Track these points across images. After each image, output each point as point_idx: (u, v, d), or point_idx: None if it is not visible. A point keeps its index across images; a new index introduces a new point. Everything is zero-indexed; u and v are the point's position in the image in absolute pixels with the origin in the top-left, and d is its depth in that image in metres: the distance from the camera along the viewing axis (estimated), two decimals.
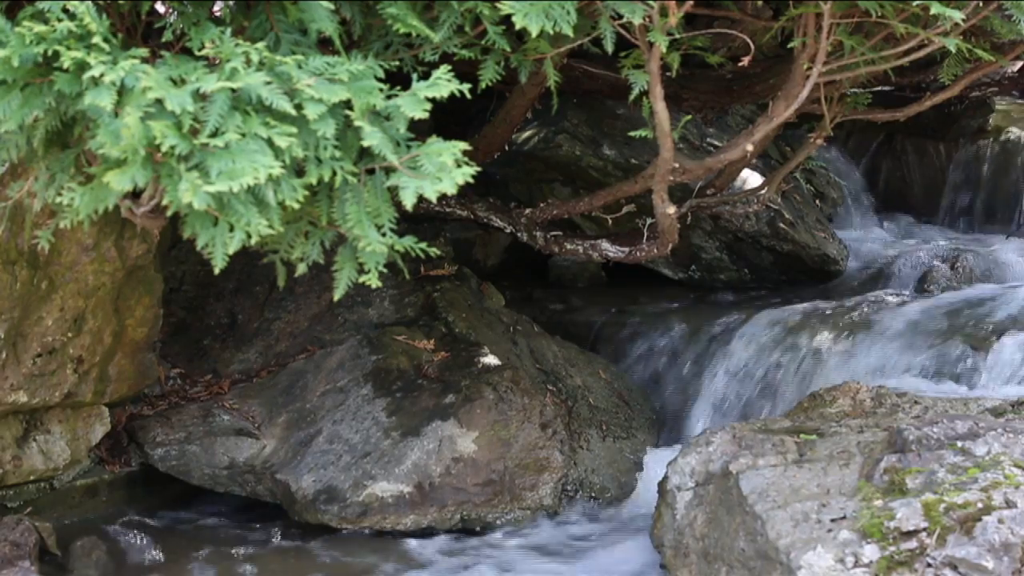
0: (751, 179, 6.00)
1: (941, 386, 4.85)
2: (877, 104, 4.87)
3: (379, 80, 2.84)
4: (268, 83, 2.71)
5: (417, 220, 4.89)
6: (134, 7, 3.02)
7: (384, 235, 2.93)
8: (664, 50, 3.40)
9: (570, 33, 3.06)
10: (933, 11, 3.33)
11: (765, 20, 4.10)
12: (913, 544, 3.14)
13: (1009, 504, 3.17)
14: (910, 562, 3.11)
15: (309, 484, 4.43)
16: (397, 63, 3.23)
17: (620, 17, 3.26)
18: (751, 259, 6.29)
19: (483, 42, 3.28)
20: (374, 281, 2.95)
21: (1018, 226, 7.15)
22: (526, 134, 6.17)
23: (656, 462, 4.80)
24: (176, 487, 4.63)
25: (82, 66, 2.67)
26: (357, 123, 2.78)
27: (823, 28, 3.60)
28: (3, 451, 4.27)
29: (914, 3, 3.39)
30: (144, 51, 2.74)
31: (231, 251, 2.81)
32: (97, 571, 4.13)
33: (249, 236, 2.78)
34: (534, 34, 3.00)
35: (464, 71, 3.11)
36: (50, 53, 2.71)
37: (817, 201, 6.94)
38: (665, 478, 4.04)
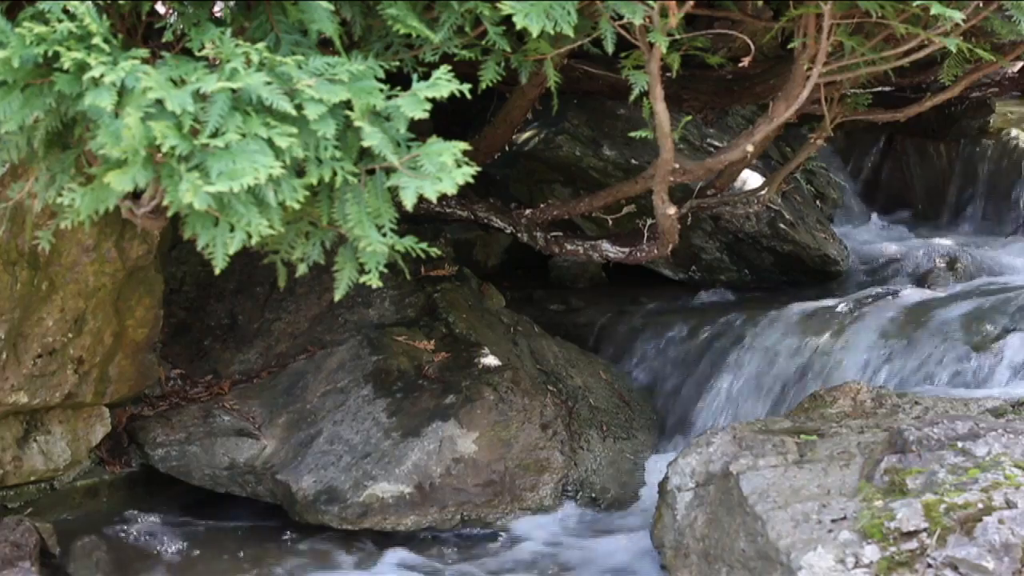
0: (751, 180, 6.00)
1: (942, 386, 4.84)
2: (877, 104, 4.87)
3: (379, 80, 2.84)
4: (268, 83, 2.71)
5: (417, 220, 4.89)
6: (134, 8, 3.02)
7: (385, 235, 2.93)
8: (664, 51, 3.40)
9: (571, 34, 3.06)
10: (933, 11, 3.32)
11: (765, 21, 4.10)
12: (913, 544, 3.14)
13: (1009, 504, 3.17)
14: (910, 562, 3.11)
15: (309, 485, 4.43)
16: (397, 63, 3.23)
17: (620, 18, 3.26)
18: (751, 259, 6.29)
19: (483, 43, 3.28)
20: (375, 281, 2.96)
21: (1018, 226, 7.15)
22: (526, 135, 6.17)
23: (656, 462, 4.81)
24: (176, 488, 4.63)
25: (82, 67, 2.67)
26: (357, 123, 2.78)
27: (823, 29, 3.60)
28: (4, 452, 4.27)
29: (914, 3, 3.39)
30: (144, 52, 2.74)
31: (232, 252, 2.81)
32: (97, 571, 4.13)
33: (250, 236, 2.78)
34: (535, 35, 3.00)
35: (464, 71, 3.11)
36: (50, 54, 2.71)
37: (817, 201, 6.94)
38: (665, 478, 4.04)
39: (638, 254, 4.71)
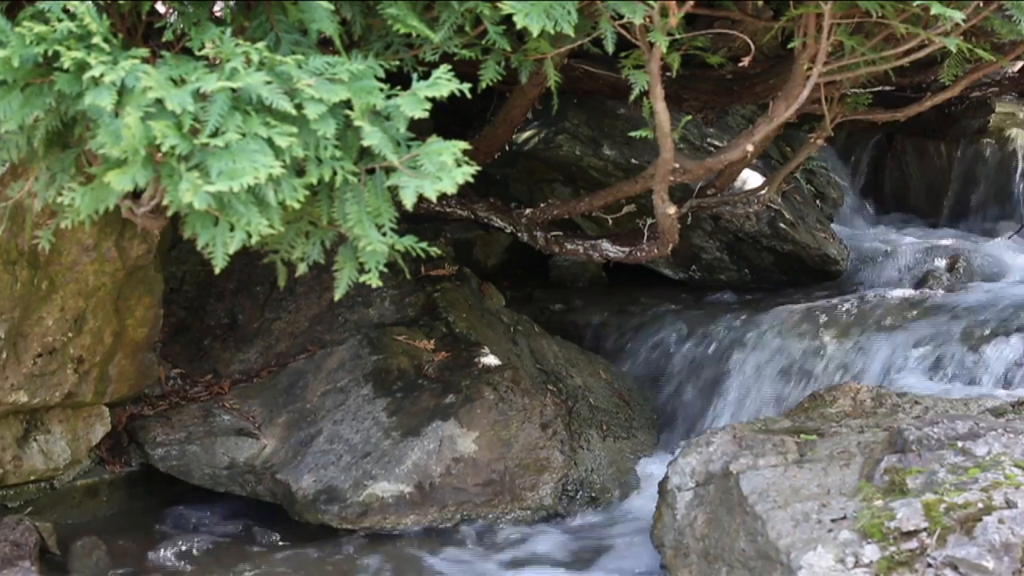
0: (751, 179, 5.99)
1: (941, 386, 4.85)
2: (877, 104, 4.87)
3: (379, 80, 2.84)
4: (268, 83, 2.71)
5: (417, 220, 4.89)
6: (134, 7, 3.02)
7: (384, 235, 2.93)
8: (664, 50, 3.40)
9: (571, 33, 3.06)
10: (933, 11, 3.33)
11: (765, 20, 4.10)
12: (913, 544, 3.14)
13: (1009, 504, 3.17)
14: (910, 562, 3.11)
15: (309, 484, 4.43)
16: (397, 63, 3.23)
17: (621, 17, 3.26)
18: (752, 259, 6.29)
19: (483, 42, 3.28)
20: (375, 281, 2.96)
21: (1018, 226, 7.16)
22: (526, 134, 6.16)
23: (656, 462, 4.81)
24: (176, 487, 4.63)
25: (82, 66, 2.68)
26: (357, 123, 2.78)
27: (823, 28, 3.60)
28: (3, 451, 4.27)
29: (914, 3, 3.39)
30: (144, 51, 2.75)
31: (231, 251, 2.81)
32: (97, 571, 4.13)
33: (250, 236, 2.78)
34: (535, 34, 3.01)
35: (465, 71, 3.11)
36: (50, 53, 2.71)
37: (817, 201, 6.94)
38: (665, 478, 4.04)
39: (638, 254, 4.71)
